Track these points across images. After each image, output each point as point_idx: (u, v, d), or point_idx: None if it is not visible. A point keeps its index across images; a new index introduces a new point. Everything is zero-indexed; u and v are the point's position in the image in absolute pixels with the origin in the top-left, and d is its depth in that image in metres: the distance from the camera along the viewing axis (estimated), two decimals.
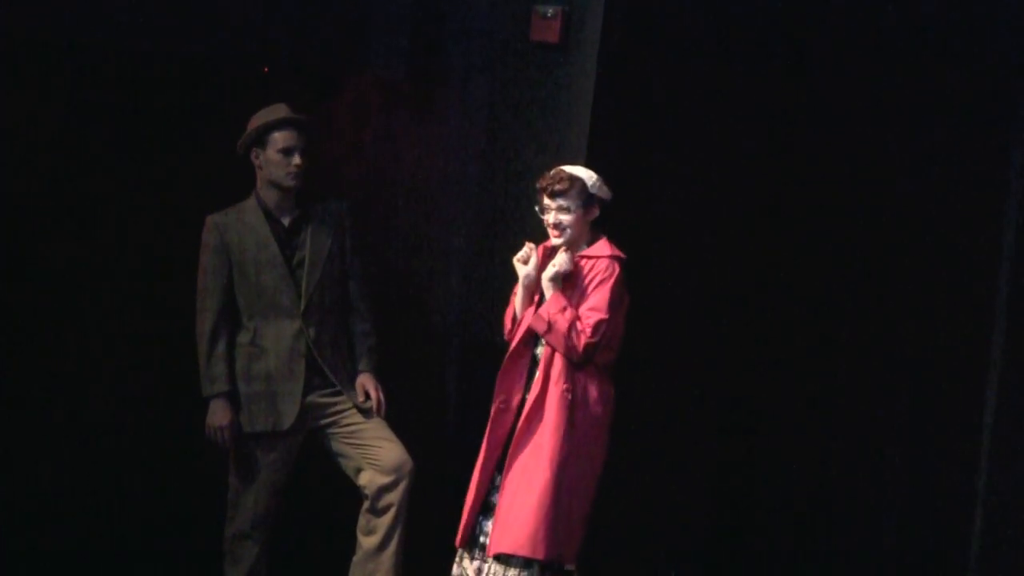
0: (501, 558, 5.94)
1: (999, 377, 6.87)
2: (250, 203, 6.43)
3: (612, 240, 6.14)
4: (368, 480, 6.31)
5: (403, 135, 7.21)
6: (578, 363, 5.96)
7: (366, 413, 6.40)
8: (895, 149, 7.04)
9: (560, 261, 6.03)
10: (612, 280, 5.99)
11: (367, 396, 6.43)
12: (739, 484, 7.25)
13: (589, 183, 6.05)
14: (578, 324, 5.93)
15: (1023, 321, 6.84)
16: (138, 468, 7.07)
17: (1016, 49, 6.80)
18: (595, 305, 5.96)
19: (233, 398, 6.34)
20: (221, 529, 6.44)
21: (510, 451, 5.97)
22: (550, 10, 6.75)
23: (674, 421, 6.99)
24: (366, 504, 6.33)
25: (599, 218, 6.12)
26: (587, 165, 6.68)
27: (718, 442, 7.19)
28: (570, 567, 6.00)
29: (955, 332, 6.98)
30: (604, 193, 6.09)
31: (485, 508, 6.03)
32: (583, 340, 5.93)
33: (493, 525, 5.96)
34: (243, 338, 6.38)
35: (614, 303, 5.99)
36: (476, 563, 6.02)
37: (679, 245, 6.96)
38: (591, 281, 5.98)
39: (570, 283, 6.02)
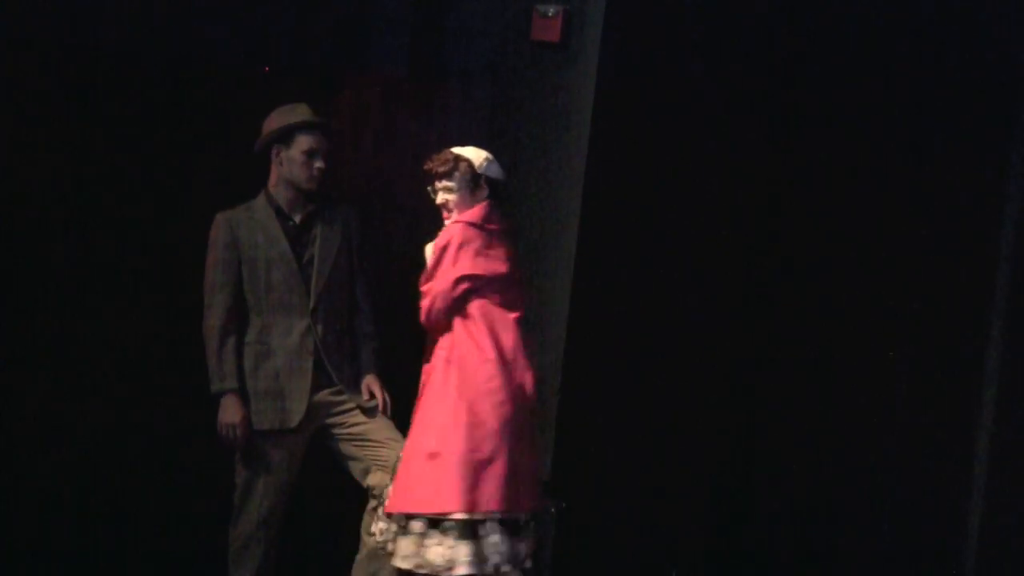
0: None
1: (997, 377, 6.89)
2: (260, 201, 6.43)
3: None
4: (378, 480, 6.31)
5: (403, 135, 7.21)
6: (429, 328, 6.02)
7: (370, 412, 6.41)
8: (895, 149, 7.05)
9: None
10: (435, 247, 6.03)
11: (371, 396, 6.44)
12: (739, 484, 7.25)
13: (477, 163, 6.03)
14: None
15: (1021, 321, 6.85)
16: (143, 468, 7.07)
17: (1016, 49, 6.82)
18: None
19: (243, 394, 6.35)
20: (227, 530, 6.43)
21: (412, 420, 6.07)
22: (551, 9, 6.75)
23: (674, 421, 6.99)
24: (374, 503, 6.32)
25: (499, 197, 6.07)
26: (587, 165, 6.71)
27: (718, 442, 7.20)
28: (458, 515, 5.84)
29: (953, 332, 7.00)
30: (495, 172, 6.07)
31: None
32: (421, 318, 6.03)
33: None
34: (250, 336, 6.37)
35: (433, 270, 6.00)
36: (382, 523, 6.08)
37: (679, 244, 6.96)
38: None
39: None
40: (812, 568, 7.19)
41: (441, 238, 6.03)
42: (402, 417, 6.44)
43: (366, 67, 7.18)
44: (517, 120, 6.90)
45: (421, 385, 6.05)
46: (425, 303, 6.01)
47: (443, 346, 5.98)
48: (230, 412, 6.34)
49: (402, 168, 7.21)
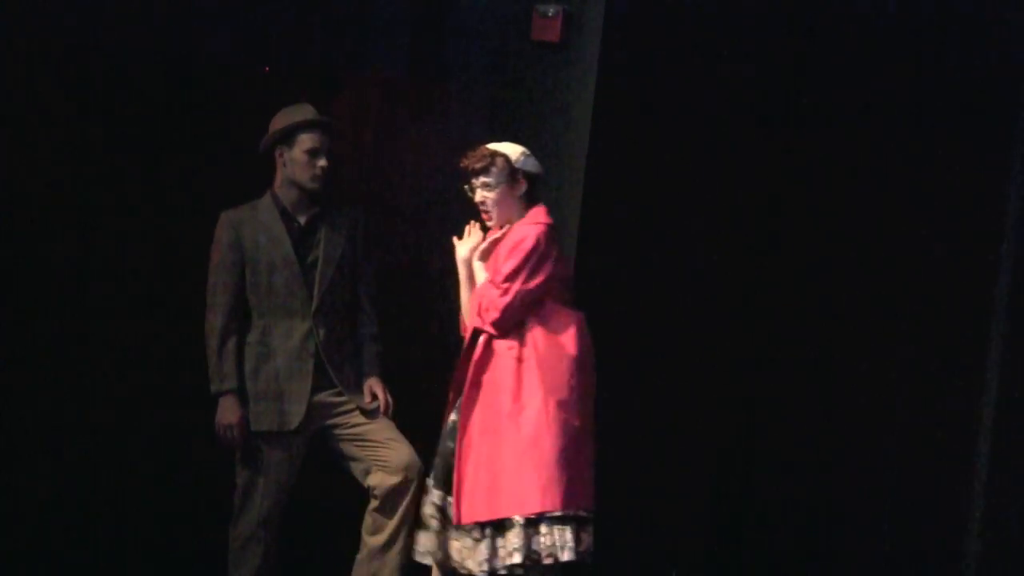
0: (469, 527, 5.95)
1: (997, 377, 6.88)
2: (265, 201, 6.42)
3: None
4: (379, 481, 6.31)
5: (403, 135, 7.21)
6: (500, 329, 5.92)
7: (371, 414, 6.41)
8: (895, 149, 7.05)
9: (469, 241, 6.03)
10: (520, 247, 5.92)
11: (374, 398, 6.43)
12: (739, 484, 7.25)
13: (513, 158, 6.00)
14: (483, 302, 5.93)
15: (1021, 321, 6.85)
16: (143, 468, 7.07)
17: (1016, 49, 6.82)
18: (495, 279, 5.92)
19: (242, 395, 6.35)
20: (226, 530, 6.44)
21: (461, 423, 5.97)
22: (551, 9, 6.76)
23: (674, 421, 6.99)
24: (374, 504, 6.32)
25: (535, 194, 6.04)
26: (587, 165, 6.70)
27: (718, 442, 7.20)
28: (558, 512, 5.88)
29: (953, 332, 7.00)
30: (532, 167, 6.03)
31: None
32: (487, 319, 5.92)
33: (455, 497, 5.94)
34: (252, 337, 6.37)
35: (520, 270, 5.89)
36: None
37: (679, 244, 6.97)
38: (504, 253, 5.96)
39: (495, 255, 6.01)
40: (812, 568, 7.19)
41: (528, 240, 5.91)
42: (404, 418, 6.45)
43: (366, 67, 7.18)
44: (517, 120, 6.90)
45: (460, 383, 6.01)
46: (505, 301, 5.89)
47: (511, 346, 5.92)
48: (227, 413, 6.34)
49: (402, 168, 7.21)
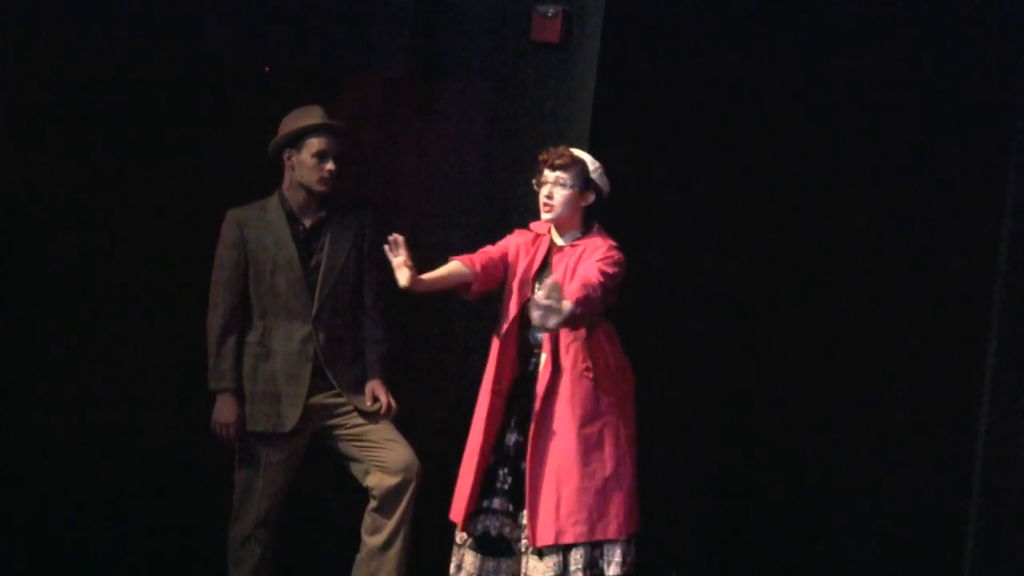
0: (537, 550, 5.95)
1: (995, 378, 6.89)
2: (273, 202, 6.43)
3: (610, 234, 6.10)
4: (377, 482, 6.32)
5: (404, 134, 7.21)
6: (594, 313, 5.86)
7: (371, 416, 6.40)
8: (895, 148, 7.06)
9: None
10: (614, 260, 5.92)
11: (375, 400, 6.42)
12: (739, 484, 7.25)
13: (591, 167, 6.02)
14: (585, 287, 5.80)
15: (1019, 320, 6.86)
16: (143, 467, 7.08)
17: (1016, 47, 6.82)
18: (597, 269, 5.85)
19: (240, 394, 6.35)
20: (226, 530, 6.44)
21: (532, 441, 5.94)
22: (551, 10, 6.76)
23: (674, 421, 6.99)
24: (373, 504, 6.33)
25: (595, 213, 6.06)
26: None
27: (718, 441, 7.20)
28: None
29: (952, 332, 7.00)
30: (603, 183, 6.05)
31: (518, 503, 6.02)
32: (597, 294, 5.82)
33: (532, 518, 5.94)
34: (252, 337, 6.38)
35: (610, 279, 5.88)
36: (493, 561, 6.04)
37: (680, 244, 6.97)
38: (592, 256, 5.92)
39: (563, 264, 5.98)
40: (812, 568, 7.19)
41: (620, 259, 5.94)
42: (407, 420, 6.45)
43: (366, 67, 7.17)
44: (517, 120, 6.91)
45: (499, 394, 6.01)
46: (598, 289, 5.81)
47: (587, 366, 5.93)
48: (224, 411, 6.35)
49: (402, 168, 7.21)
